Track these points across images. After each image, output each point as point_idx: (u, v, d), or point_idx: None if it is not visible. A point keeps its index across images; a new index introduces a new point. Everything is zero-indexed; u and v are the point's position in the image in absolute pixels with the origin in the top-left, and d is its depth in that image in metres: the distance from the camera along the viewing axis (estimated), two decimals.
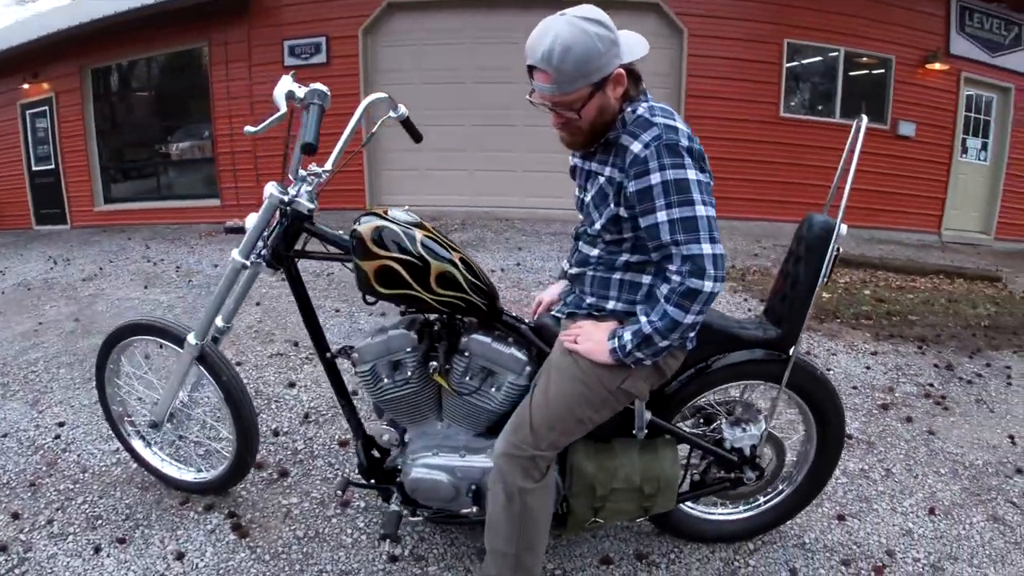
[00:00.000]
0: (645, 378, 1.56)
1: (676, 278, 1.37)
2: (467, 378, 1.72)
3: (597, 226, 1.52)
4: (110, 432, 2.55)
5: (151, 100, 9.35)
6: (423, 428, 1.84)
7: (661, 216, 1.36)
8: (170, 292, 4.85)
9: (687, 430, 1.90)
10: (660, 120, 1.39)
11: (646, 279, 1.54)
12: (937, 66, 7.67)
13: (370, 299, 1.72)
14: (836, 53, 7.53)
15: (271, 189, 1.78)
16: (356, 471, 2.07)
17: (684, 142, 1.37)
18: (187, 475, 2.36)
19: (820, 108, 7.89)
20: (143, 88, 9.31)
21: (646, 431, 1.73)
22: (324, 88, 1.73)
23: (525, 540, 1.56)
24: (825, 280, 1.69)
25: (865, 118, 1.71)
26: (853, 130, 1.69)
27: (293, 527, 2.18)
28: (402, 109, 2.03)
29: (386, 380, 1.76)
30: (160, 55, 8.56)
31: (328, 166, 1.83)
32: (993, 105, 8.31)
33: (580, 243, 1.67)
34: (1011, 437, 3.11)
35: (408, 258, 1.61)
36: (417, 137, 2.15)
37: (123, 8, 7.40)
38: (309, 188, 1.78)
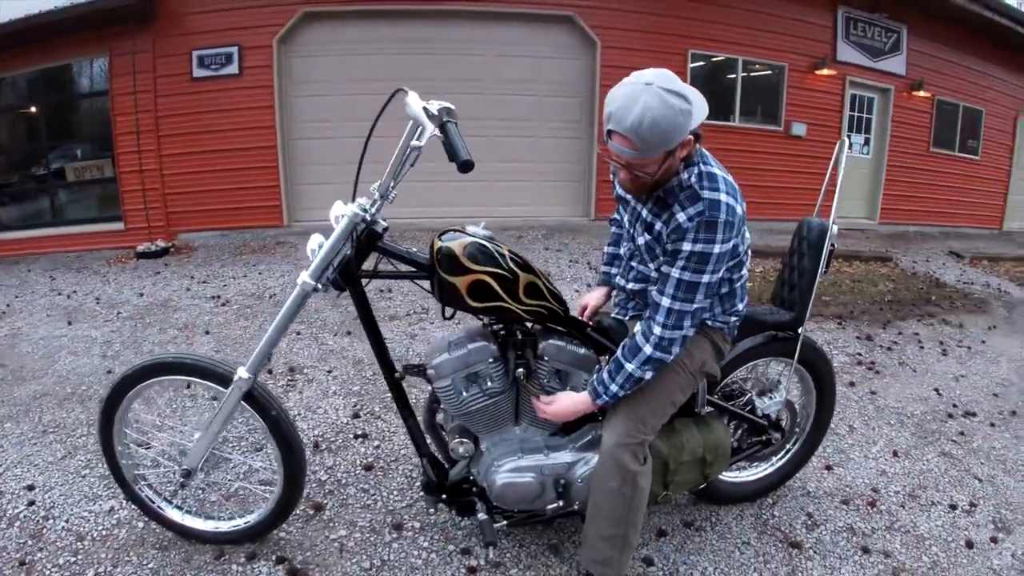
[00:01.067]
0: (715, 359, 1.94)
1: (653, 347, 1.71)
2: (547, 381, 1.91)
3: (651, 264, 1.82)
4: (95, 490, 2.43)
5: (41, 116, 8.60)
6: (500, 435, 1.97)
7: (674, 277, 1.67)
8: (101, 326, 4.51)
9: (727, 405, 2.28)
10: (707, 195, 1.62)
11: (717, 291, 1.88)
12: (825, 72, 8.69)
13: (448, 313, 1.88)
14: (735, 62, 8.33)
15: (347, 208, 1.78)
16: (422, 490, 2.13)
17: (722, 217, 1.61)
18: (221, 525, 2.18)
19: (720, 113, 8.65)
20: (31, 103, 8.55)
21: (708, 408, 2.11)
22: (449, 104, 1.74)
23: (632, 519, 1.83)
24: (825, 271, 2.14)
25: (847, 139, 2.19)
26: (836, 148, 2.16)
27: (355, 560, 2.14)
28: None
29: (465, 393, 1.87)
30: (53, 67, 7.92)
31: (391, 183, 1.84)
32: (874, 104, 9.49)
33: (635, 263, 1.95)
34: (936, 390, 3.77)
35: (499, 271, 1.77)
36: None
37: (16, 17, 6.84)
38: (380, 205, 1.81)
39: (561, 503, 1.97)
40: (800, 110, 8.75)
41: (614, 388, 1.77)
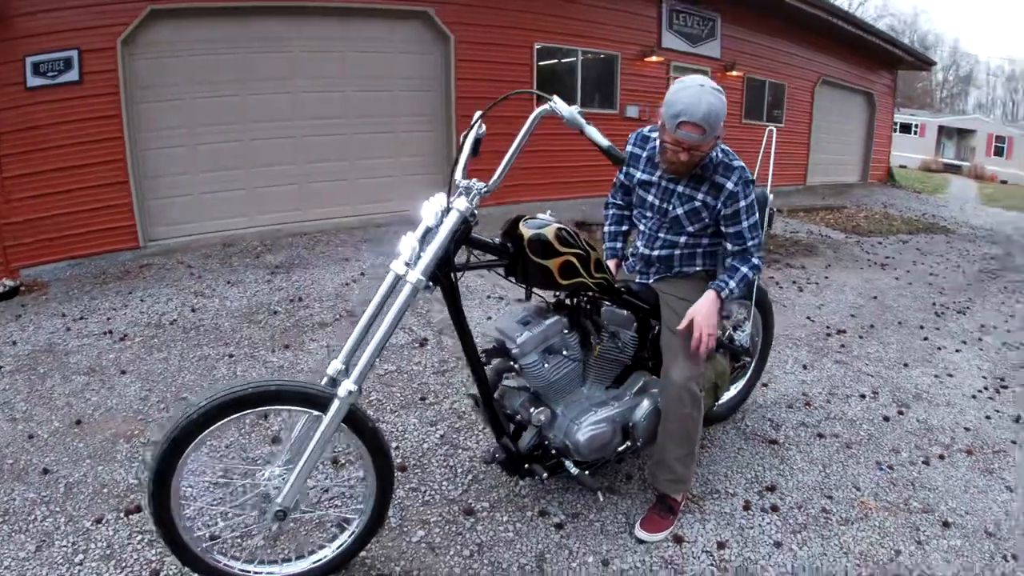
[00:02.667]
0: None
1: (755, 259, 2.36)
2: (609, 343, 2.36)
3: (690, 229, 2.38)
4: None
5: None
6: (572, 398, 2.31)
7: (744, 225, 2.32)
8: None
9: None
10: (736, 164, 2.28)
11: (719, 251, 2.48)
12: (654, 58, 9.92)
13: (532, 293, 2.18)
14: (575, 52, 9.19)
15: (450, 203, 1.91)
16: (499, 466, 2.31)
17: (750, 176, 2.30)
18: (302, 565, 2.05)
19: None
20: None
21: None
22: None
23: (697, 437, 2.36)
24: (768, 228, 2.81)
25: (774, 128, 2.89)
26: (766, 136, 2.84)
27: (451, 553, 2.23)
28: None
29: (548, 364, 2.18)
30: None
31: (494, 179, 1.99)
32: None
33: (663, 233, 2.43)
34: (808, 318, 4.77)
35: (580, 252, 2.12)
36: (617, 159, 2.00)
37: None
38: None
39: (628, 443, 2.40)
40: (633, 94, 9.85)
41: (732, 284, 2.33)
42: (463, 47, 8.03)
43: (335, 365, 1.94)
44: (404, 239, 1.89)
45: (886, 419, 3.22)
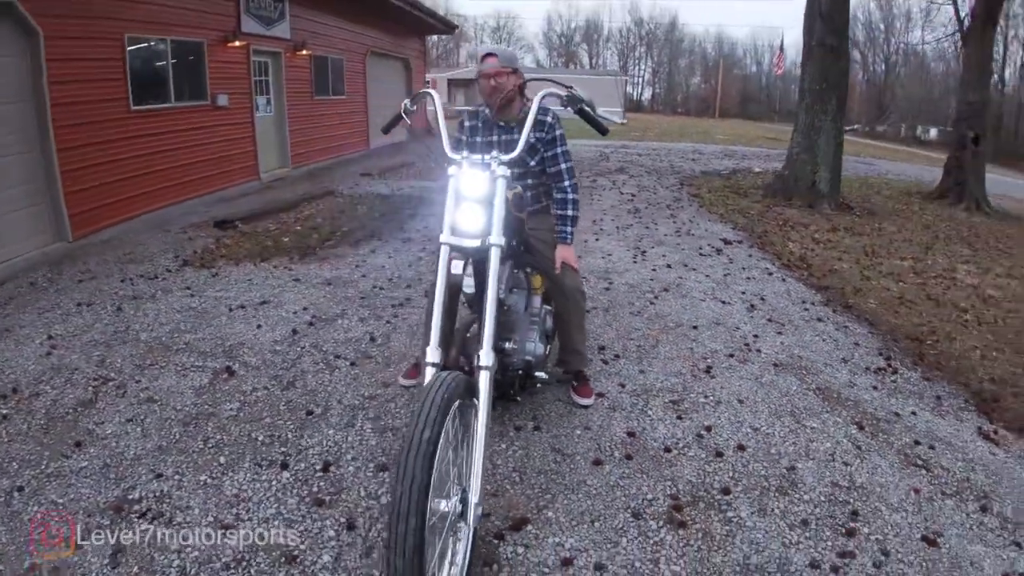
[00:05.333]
0: None
1: (572, 193, 3.40)
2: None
3: (533, 161, 3.41)
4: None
5: None
6: (519, 325, 3.29)
7: (559, 149, 3.34)
8: None
9: None
10: (547, 111, 3.32)
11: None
12: (236, 43, 9.79)
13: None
14: (165, 43, 8.52)
15: (494, 173, 2.47)
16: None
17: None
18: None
19: (157, 97, 8.72)
20: None
21: None
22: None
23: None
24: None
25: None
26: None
27: (510, 454, 3.12)
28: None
29: (517, 300, 3.35)
30: None
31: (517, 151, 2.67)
32: (269, 68, 11.01)
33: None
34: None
35: None
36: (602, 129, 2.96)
37: None
38: None
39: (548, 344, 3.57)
40: (221, 82, 9.72)
41: (571, 230, 3.41)
42: (54, 44, 6.81)
43: (433, 353, 2.26)
44: (469, 213, 2.37)
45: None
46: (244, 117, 10.38)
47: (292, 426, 3.38)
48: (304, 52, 11.81)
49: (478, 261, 2.54)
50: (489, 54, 3.18)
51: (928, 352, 4.88)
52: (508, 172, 2.47)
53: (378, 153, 15.08)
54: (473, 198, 2.37)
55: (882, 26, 57.53)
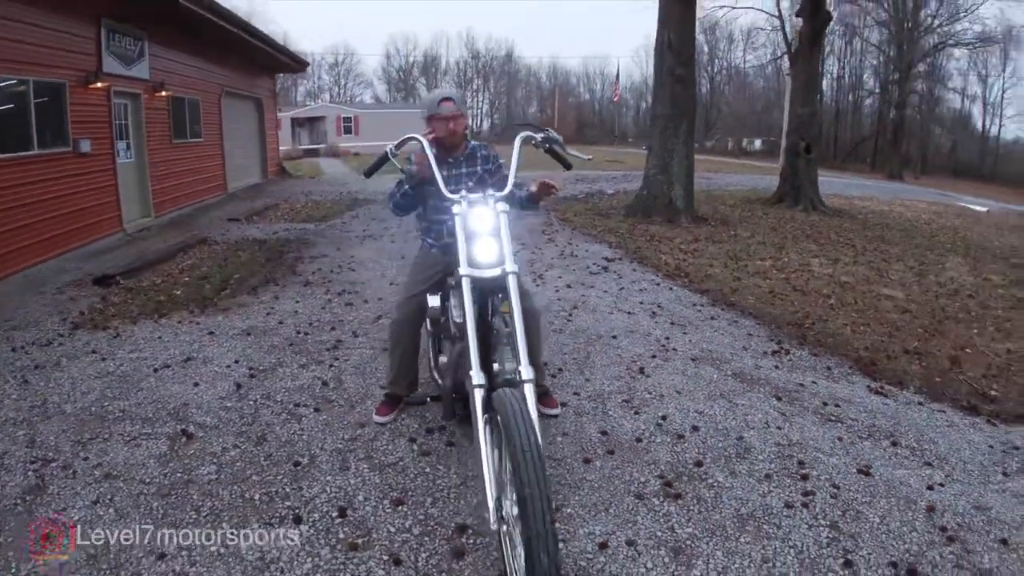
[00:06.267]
0: None
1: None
2: None
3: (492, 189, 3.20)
4: None
5: None
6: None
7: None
8: None
9: None
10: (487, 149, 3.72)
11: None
12: (99, 84, 9.25)
13: None
14: (27, 84, 7.98)
15: (497, 210, 2.85)
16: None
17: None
18: None
19: (19, 144, 8.10)
20: None
21: None
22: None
23: None
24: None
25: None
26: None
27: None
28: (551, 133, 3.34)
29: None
30: None
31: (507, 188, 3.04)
32: (129, 110, 10.51)
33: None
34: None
35: None
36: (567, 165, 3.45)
37: None
38: None
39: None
40: (83, 126, 9.12)
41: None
42: None
43: (476, 376, 2.56)
44: (485, 247, 2.76)
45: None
46: (106, 164, 9.75)
47: (285, 480, 3.32)
48: (163, 93, 11.30)
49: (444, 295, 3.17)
50: (446, 98, 3.42)
51: (808, 333, 5.84)
52: (507, 207, 2.87)
53: (238, 197, 14.66)
54: (485, 232, 2.76)
55: (706, 48, 62.75)
